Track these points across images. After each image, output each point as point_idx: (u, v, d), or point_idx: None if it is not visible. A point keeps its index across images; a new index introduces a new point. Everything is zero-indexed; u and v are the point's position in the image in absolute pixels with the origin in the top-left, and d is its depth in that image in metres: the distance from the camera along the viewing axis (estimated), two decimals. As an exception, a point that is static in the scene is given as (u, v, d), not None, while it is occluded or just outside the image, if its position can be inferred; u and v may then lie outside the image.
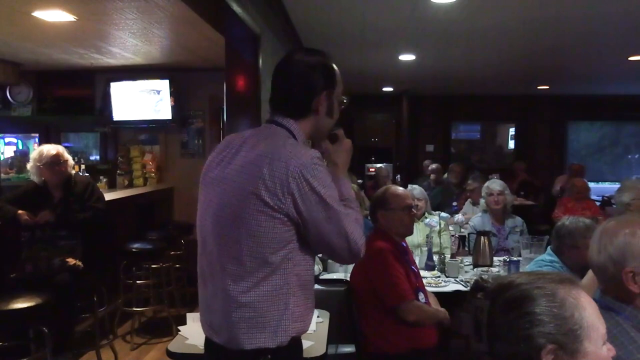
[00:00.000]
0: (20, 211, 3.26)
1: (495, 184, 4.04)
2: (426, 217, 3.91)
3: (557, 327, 1.00)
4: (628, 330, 1.31)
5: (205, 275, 1.47)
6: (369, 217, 2.81)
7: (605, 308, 1.04)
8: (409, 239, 2.91)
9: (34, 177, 3.41)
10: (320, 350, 2.03)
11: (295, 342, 1.48)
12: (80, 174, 4.92)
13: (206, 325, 1.48)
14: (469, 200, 5.19)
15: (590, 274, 1.79)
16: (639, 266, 1.34)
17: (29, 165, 3.44)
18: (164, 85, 5.44)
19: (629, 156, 10.19)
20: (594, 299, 1.10)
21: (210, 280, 1.45)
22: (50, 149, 3.39)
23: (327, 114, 1.51)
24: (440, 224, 3.69)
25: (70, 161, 3.50)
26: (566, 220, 2.60)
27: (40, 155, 3.35)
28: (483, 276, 2.96)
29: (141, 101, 5.49)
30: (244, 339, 1.38)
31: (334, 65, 1.53)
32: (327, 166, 1.48)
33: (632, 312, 1.34)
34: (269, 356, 1.39)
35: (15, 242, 3.27)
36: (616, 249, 1.37)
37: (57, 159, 3.36)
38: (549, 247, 2.71)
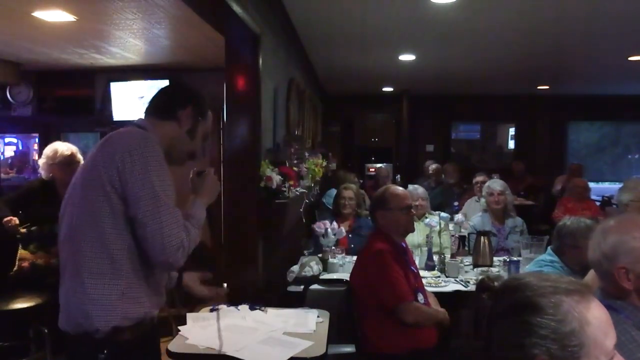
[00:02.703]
0: (6, 218, 3.16)
1: (495, 184, 4.04)
2: (426, 217, 3.91)
3: (553, 341, 0.96)
4: (629, 329, 1.31)
5: None
6: (369, 217, 2.81)
7: (606, 307, 1.03)
8: (409, 239, 2.91)
9: (42, 173, 3.40)
10: (320, 350, 2.03)
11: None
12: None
13: None
14: (474, 197, 5.18)
15: (591, 274, 1.79)
16: (631, 262, 1.35)
17: (40, 161, 3.40)
18: (164, 85, 5.43)
19: (629, 156, 10.19)
20: None
21: None
22: (65, 149, 3.35)
23: (188, 132, 1.69)
24: (440, 224, 3.69)
25: (82, 162, 3.48)
26: (567, 221, 2.61)
27: (55, 153, 3.32)
28: (490, 275, 2.97)
29: (141, 101, 5.48)
30: None
31: (208, 109, 1.76)
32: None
33: (633, 311, 1.34)
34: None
35: (13, 241, 3.26)
36: (608, 245, 1.39)
37: (71, 159, 3.34)
38: (549, 247, 2.71)
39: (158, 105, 1.70)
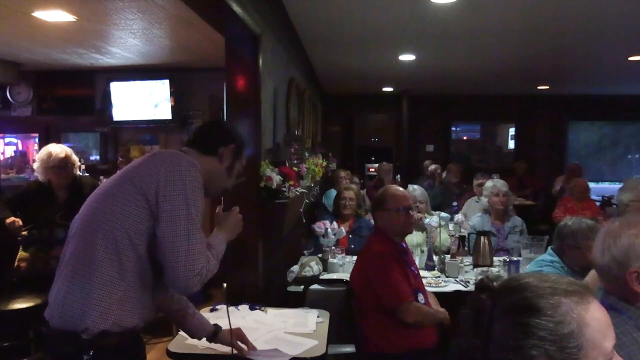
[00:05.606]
0: (9, 219, 3.14)
1: (501, 184, 4.03)
2: (426, 217, 3.91)
3: (551, 343, 0.94)
4: (630, 330, 1.30)
5: None
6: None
7: (608, 308, 1.01)
8: (408, 239, 2.91)
9: (39, 176, 3.37)
10: (320, 350, 2.03)
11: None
12: (81, 174, 4.91)
13: None
14: (474, 197, 5.18)
15: (591, 275, 1.78)
16: None
17: (35, 165, 3.35)
18: (164, 85, 5.44)
19: (629, 156, 10.18)
20: None
21: None
22: (59, 152, 3.29)
23: (227, 169, 1.75)
24: (440, 224, 3.69)
25: (77, 163, 3.43)
26: (569, 221, 2.60)
27: (49, 157, 3.26)
28: (490, 275, 2.97)
29: (141, 101, 5.49)
30: None
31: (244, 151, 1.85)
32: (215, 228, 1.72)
33: (635, 312, 1.34)
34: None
35: (13, 242, 3.25)
36: (620, 250, 1.36)
37: (65, 162, 3.29)
38: (550, 247, 2.71)
39: (201, 140, 1.75)
